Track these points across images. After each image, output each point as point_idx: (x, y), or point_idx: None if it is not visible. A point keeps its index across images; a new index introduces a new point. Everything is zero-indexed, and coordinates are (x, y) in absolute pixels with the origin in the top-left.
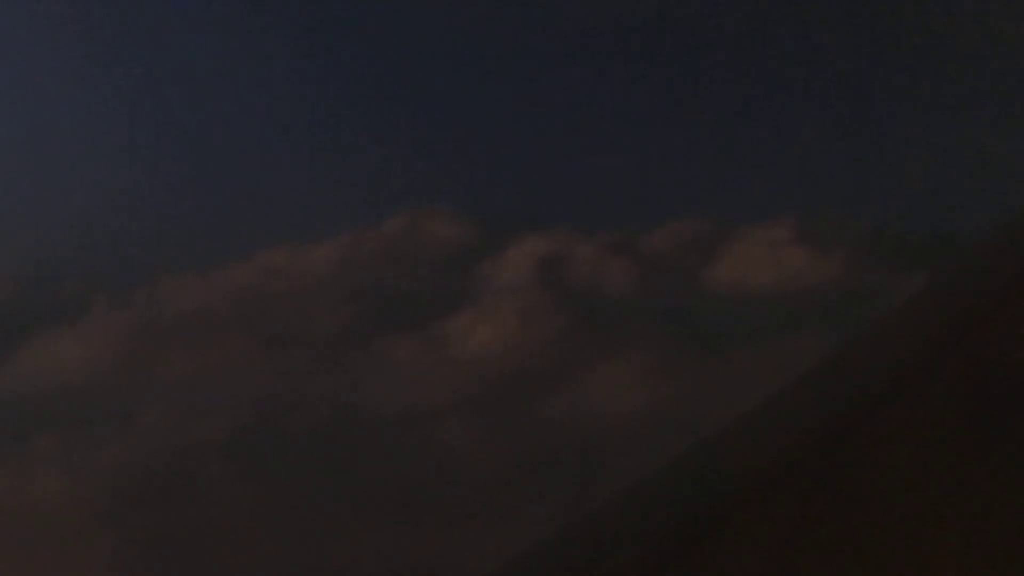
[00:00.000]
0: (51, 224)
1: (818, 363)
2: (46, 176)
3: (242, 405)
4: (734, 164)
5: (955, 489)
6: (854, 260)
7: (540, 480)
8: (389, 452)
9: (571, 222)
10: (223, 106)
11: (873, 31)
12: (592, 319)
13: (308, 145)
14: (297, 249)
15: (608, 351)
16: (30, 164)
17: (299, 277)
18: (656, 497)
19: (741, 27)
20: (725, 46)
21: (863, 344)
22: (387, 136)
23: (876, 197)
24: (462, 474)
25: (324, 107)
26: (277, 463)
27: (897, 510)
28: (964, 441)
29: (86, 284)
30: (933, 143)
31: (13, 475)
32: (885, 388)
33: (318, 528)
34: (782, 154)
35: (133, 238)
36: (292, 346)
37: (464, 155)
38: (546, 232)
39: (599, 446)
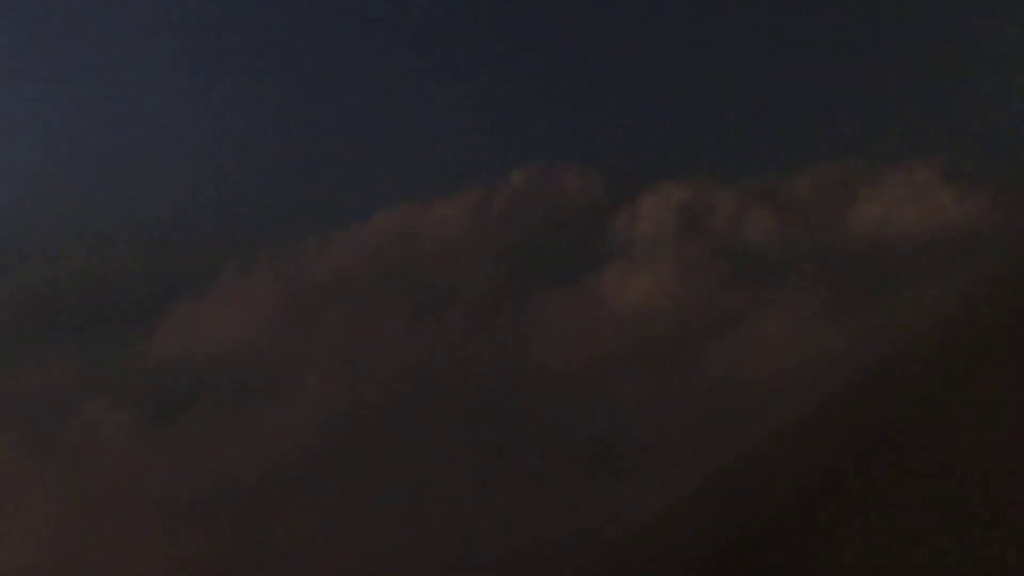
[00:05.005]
0: (169, 192)
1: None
2: (163, 146)
3: (402, 369)
4: (876, 105)
5: None
6: (1004, 200)
7: (706, 432)
8: (555, 409)
9: (707, 171)
10: (336, 65)
11: None
12: (743, 268)
13: (418, 103)
14: (418, 208)
15: (765, 300)
16: (148, 137)
17: (429, 236)
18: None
19: None
20: None
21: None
22: (504, 90)
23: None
24: (629, 427)
25: (434, 63)
26: (443, 425)
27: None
28: None
29: (211, 252)
30: None
31: (170, 445)
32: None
33: (488, 489)
34: (925, 93)
35: (248, 203)
36: (443, 307)
37: (585, 107)
38: (681, 182)
39: (764, 396)
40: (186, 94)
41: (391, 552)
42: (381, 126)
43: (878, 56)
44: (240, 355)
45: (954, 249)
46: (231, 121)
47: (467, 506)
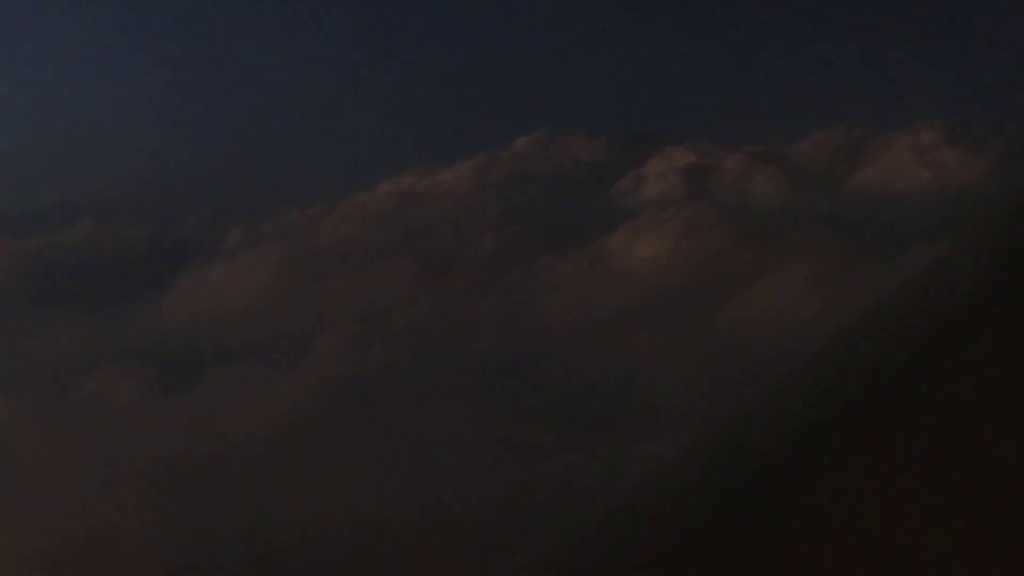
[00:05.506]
0: (172, 160)
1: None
2: (171, 115)
3: (412, 328)
4: (878, 72)
5: None
6: (1006, 159)
7: (714, 390)
8: (565, 366)
9: (713, 135)
10: (343, 38)
11: None
12: (751, 229)
13: (426, 72)
14: (425, 174)
15: (773, 260)
16: (156, 106)
17: (434, 202)
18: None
19: None
20: None
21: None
22: (510, 60)
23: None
24: (640, 385)
25: (441, 33)
26: (452, 386)
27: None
28: None
29: (215, 219)
30: None
31: (179, 411)
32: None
33: (497, 448)
34: (926, 60)
35: (252, 171)
36: (450, 269)
37: (591, 75)
38: (688, 147)
39: (772, 354)
40: (195, 63)
41: (399, 512)
42: (387, 95)
43: (881, 21)
44: (248, 320)
45: (958, 208)
46: (238, 91)
47: (476, 465)
